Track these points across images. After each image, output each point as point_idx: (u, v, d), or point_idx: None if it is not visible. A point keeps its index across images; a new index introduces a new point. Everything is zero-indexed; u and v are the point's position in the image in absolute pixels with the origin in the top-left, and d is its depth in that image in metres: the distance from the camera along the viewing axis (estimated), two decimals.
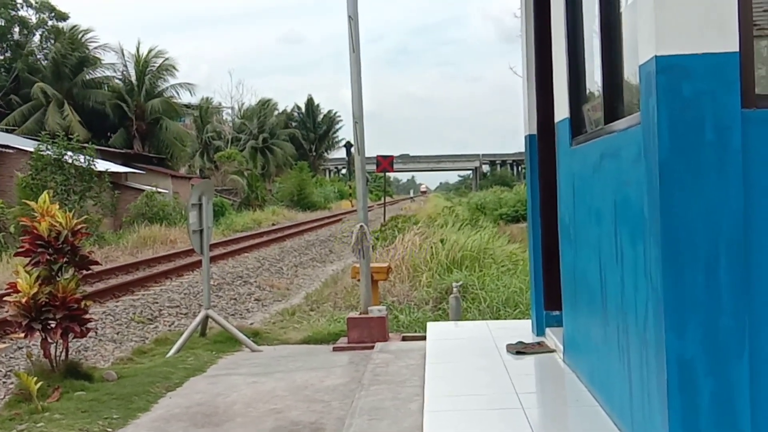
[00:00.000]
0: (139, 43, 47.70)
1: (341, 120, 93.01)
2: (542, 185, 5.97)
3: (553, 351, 5.50)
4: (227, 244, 25.09)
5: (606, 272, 3.80)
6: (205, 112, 62.53)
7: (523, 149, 6.33)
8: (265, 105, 74.23)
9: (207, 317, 8.78)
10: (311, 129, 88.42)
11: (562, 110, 4.80)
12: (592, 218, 4.07)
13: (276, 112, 76.70)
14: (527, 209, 6.35)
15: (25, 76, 43.87)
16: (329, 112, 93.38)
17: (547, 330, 5.86)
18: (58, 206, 6.51)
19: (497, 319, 9.32)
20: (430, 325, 7.18)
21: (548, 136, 5.61)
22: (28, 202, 6.65)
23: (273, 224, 37.49)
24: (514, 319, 9.06)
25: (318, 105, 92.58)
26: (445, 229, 15.33)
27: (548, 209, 5.76)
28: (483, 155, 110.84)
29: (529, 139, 6.10)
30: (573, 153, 4.56)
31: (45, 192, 6.65)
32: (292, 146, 72.95)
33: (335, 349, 7.86)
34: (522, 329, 6.30)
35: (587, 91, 4.51)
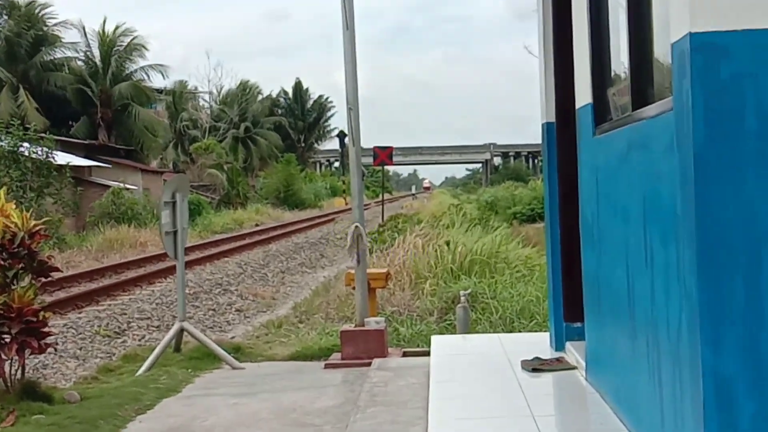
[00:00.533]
0: (105, 20, 47.39)
1: (333, 107, 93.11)
2: (561, 180, 5.96)
3: (574, 368, 5.50)
4: (205, 248, 25.09)
5: (634, 278, 3.80)
6: (179, 97, 62.51)
7: (539, 139, 6.33)
8: (248, 89, 74.23)
9: (182, 330, 8.77)
10: (300, 117, 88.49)
11: (583, 95, 4.80)
12: (618, 217, 4.07)
13: (260, 98, 76.78)
14: (544, 207, 6.35)
15: None
16: (320, 97, 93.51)
17: (568, 344, 5.86)
18: (14, 205, 6.49)
19: (511, 332, 9.31)
20: (434, 338, 7.17)
21: (568, 124, 5.61)
22: None
23: (256, 225, 37.51)
24: (530, 331, 9.06)
25: (307, 90, 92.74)
26: (451, 230, 15.36)
27: (568, 207, 5.75)
28: (494, 146, 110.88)
29: (547, 127, 6.10)
30: (596, 143, 4.56)
31: (1, 191, 6.63)
32: (278, 136, 72.98)
33: (327, 366, 7.86)
34: (539, 343, 6.29)
35: (612, 73, 4.51)
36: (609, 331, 4.44)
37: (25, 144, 25.40)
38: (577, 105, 5.00)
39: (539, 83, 6.23)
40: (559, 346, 6.01)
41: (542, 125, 6.18)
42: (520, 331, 9.28)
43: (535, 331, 8.97)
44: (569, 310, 5.88)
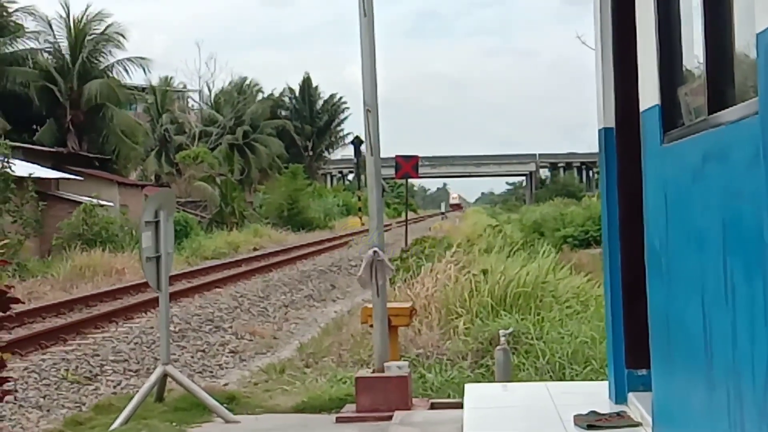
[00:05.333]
0: (67, 3, 47.22)
1: (347, 108, 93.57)
2: (622, 197, 5.95)
3: (638, 425, 5.47)
4: (193, 276, 25.18)
5: (711, 317, 3.78)
6: (163, 96, 62.98)
7: (595, 148, 6.32)
8: (245, 87, 74.67)
9: (165, 375, 8.79)
10: (308, 120, 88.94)
11: (649, 95, 4.79)
12: (692, 243, 4.05)
13: (260, 97, 77.19)
14: (602, 230, 6.34)
15: None
16: (331, 97, 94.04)
17: (630, 395, 5.82)
18: None
19: (561, 379, 9.28)
20: (468, 387, 7.16)
21: (631, 130, 5.60)
22: None
23: (255, 249, 37.65)
24: (584, 380, 9.02)
25: (317, 88, 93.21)
26: (489, 257, 15.32)
27: (631, 230, 5.74)
28: (540, 156, 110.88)
29: (605, 134, 6.09)
30: (665, 153, 4.55)
31: None
32: (281, 143, 73.40)
33: (339, 420, 7.86)
34: (595, 394, 6.26)
35: (684, 70, 4.50)
36: (681, 380, 4.41)
37: None
38: (642, 107, 5.00)
39: (596, 81, 6.23)
40: (620, 397, 5.97)
41: (599, 131, 6.17)
42: (572, 379, 9.23)
43: (591, 379, 8.92)
44: (632, 354, 5.84)
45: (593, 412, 5.77)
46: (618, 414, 5.72)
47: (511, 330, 9.92)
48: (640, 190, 5.16)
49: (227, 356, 14.00)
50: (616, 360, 6.02)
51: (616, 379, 6.03)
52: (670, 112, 4.57)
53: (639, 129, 5.11)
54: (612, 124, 6.04)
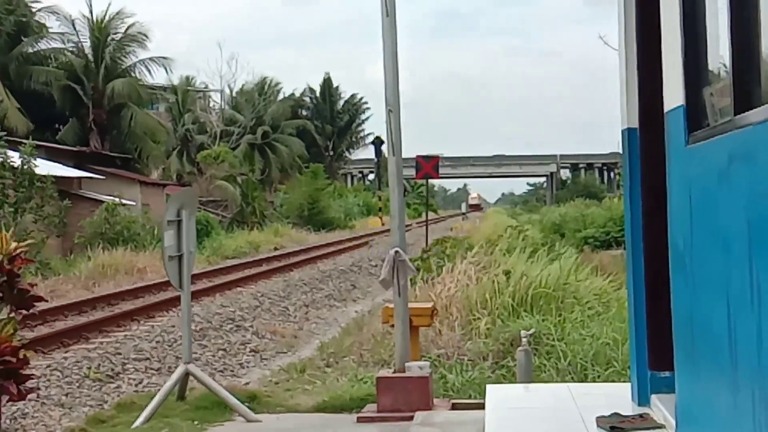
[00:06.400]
0: (90, 2, 47.42)
1: (368, 108, 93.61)
2: (645, 198, 5.92)
3: (661, 426, 5.45)
4: (214, 275, 25.24)
5: (736, 318, 3.76)
6: (184, 96, 63.16)
7: (618, 148, 6.30)
8: (266, 87, 74.77)
9: (187, 374, 8.82)
10: (328, 120, 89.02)
11: (674, 95, 4.77)
12: (717, 244, 4.03)
13: (280, 97, 77.31)
14: (625, 231, 6.31)
15: None
16: (352, 96, 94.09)
17: (653, 397, 5.79)
18: None
19: (583, 381, 9.25)
20: (490, 388, 7.15)
21: (655, 131, 5.57)
22: None
23: (275, 248, 37.70)
24: (607, 381, 8.99)
25: (337, 88, 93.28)
26: (510, 258, 15.29)
27: (654, 231, 5.71)
28: (561, 156, 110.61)
29: (628, 134, 6.06)
30: (689, 154, 4.52)
31: None
32: (302, 143, 73.45)
33: (360, 420, 7.86)
34: (617, 396, 6.24)
35: (710, 69, 4.48)
36: (705, 382, 4.39)
37: (4, 151, 25.73)
38: (666, 107, 4.97)
39: (619, 81, 6.20)
40: (642, 399, 5.94)
41: (622, 132, 6.14)
42: (594, 381, 9.20)
43: (613, 380, 8.90)
44: (655, 356, 5.81)
45: (616, 414, 5.75)
46: (641, 416, 5.69)
47: (532, 331, 9.90)
48: (663, 190, 5.13)
49: (248, 355, 14.02)
50: (639, 361, 5.99)
51: (639, 380, 5.99)
52: (695, 113, 4.54)
53: (663, 129, 5.08)
54: (635, 124, 6.01)
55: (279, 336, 15.64)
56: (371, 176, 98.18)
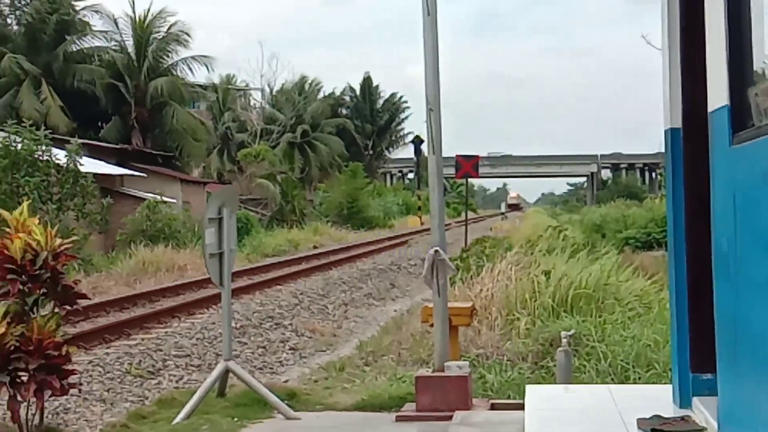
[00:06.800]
0: (133, 1, 47.87)
1: (408, 107, 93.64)
2: (689, 199, 5.88)
3: (703, 429, 5.41)
4: (254, 273, 25.37)
5: None
6: (225, 95, 63.52)
7: (660, 149, 6.26)
8: (306, 86, 75.03)
9: (227, 371, 8.86)
10: (368, 119, 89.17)
11: (718, 95, 4.73)
12: (762, 245, 4.00)
13: (320, 96, 77.54)
14: (667, 232, 6.26)
15: None
16: (392, 96, 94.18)
17: (695, 400, 5.75)
18: (36, 220, 6.66)
19: (623, 382, 9.20)
20: (529, 388, 7.13)
21: (698, 131, 5.53)
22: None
23: (315, 247, 37.82)
24: (647, 383, 8.93)
25: (377, 87, 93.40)
26: (550, 258, 15.23)
27: (697, 232, 5.67)
28: (602, 156, 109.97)
29: (671, 134, 6.02)
30: (734, 154, 4.49)
31: (24, 201, 6.82)
32: (342, 142, 73.64)
33: (399, 419, 7.86)
34: (658, 398, 6.20)
35: (755, 69, 4.44)
36: (748, 384, 4.35)
37: (50, 148, 25.97)
38: (710, 108, 4.94)
39: (662, 81, 6.16)
40: (684, 401, 5.90)
41: (665, 132, 6.10)
42: (635, 382, 9.15)
43: (654, 382, 8.84)
44: (697, 358, 5.77)
45: (657, 416, 5.71)
46: (682, 418, 5.66)
47: (572, 332, 9.85)
48: (707, 191, 5.09)
49: (287, 353, 14.08)
50: (681, 363, 5.95)
51: (681, 382, 5.95)
52: (739, 113, 4.51)
53: (707, 130, 5.04)
54: (678, 124, 5.97)
55: (318, 334, 15.69)
56: (410, 175, 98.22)
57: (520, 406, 6.95)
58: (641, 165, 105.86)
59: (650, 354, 9.91)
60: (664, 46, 6.14)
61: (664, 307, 11.39)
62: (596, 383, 9.09)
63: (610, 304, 12.34)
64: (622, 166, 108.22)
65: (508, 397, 8.85)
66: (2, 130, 27.04)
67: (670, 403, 6.07)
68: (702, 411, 5.54)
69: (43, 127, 27.25)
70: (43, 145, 25.95)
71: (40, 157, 25.83)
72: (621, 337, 10.52)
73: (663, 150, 6.23)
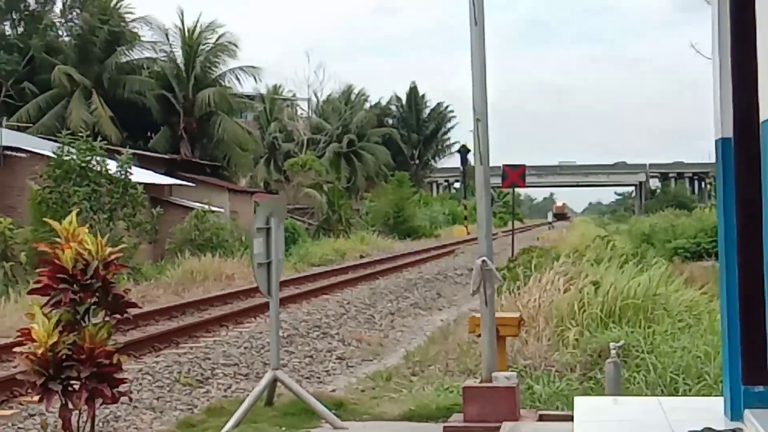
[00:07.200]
0: (183, 12, 48.28)
1: (454, 116, 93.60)
2: (740, 208, 5.82)
3: None
4: (301, 282, 25.47)
5: None
6: (272, 105, 63.88)
7: (710, 158, 6.20)
8: (352, 95, 75.25)
9: (275, 380, 8.91)
10: (414, 128, 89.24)
11: None
12: None
13: (366, 105, 77.73)
14: (718, 242, 6.20)
15: (42, 57, 45.82)
16: (438, 105, 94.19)
17: (747, 412, 5.68)
18: (86, 229, 6.73)
19: (673, 394, 9.11)
20: (578, 400, 7.08)
21: (749, 141, 5.48)
22: (50, 221, 6.89)
23: (361, 256, 37.88)
24: (698, 395, 8.84)
25: (423, 96, 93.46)
26: (598, 268, 15.12)
27: (749, 242, 5.61)
28: (650, 165, 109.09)
29: (722, 144, 5.97)
30: None
31: (73, 211, 6.89)
32: (388, 151, 73.77)
33: (447, 430, 7.84)
34: (709, 410, 6.13)
35: None
36: None
37: (99, 158, 26.25)
38: (762, 117, 4.89)
39: (713, 90, 6.10)
40: (735, 414, 5.84)
41: (716, 141, 6.05)
42: (685, 394, 9.06)
43: (704, 394, 8.74)
44: (749, 370, 5.71)
45: (708, 429, 5.65)
46: (733, 431, 5.60)
47: (621, 343, 9.77)
48: (759, 201, 5.05)
49: (334, 362, 14.10)
50: (732, 375, 5.88)
51: (732, 395, 5.89)
52: None
53: (759, 139, 4.99)
54: (730, 134, 5.91)
55: (365, 343, 15.70)
56: (457, 185, 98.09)
57: (569, 418, 6.91)
58: (690, 174, 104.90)
59: (700, 365, 9.81)
60: (715, 55, 6.08)
61: (714, 318, 11.28)
62: (646, 395, 9.01)
63: (660, 315, 12.24)
64: (671, 175, 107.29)
65: (557, 409, 8.80)
66: (55, 140, 27.42)
67: (721, 416, 6.00)
68: (754, 423, 5.48)
69: (99, 138, 27.58)
70: (98, 155, 26.24)
71: (93, 167, 26.04)
72: (671, 349, 10.42)
73: (713, 159, 6.17)
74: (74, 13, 48.99)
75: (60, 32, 49.77)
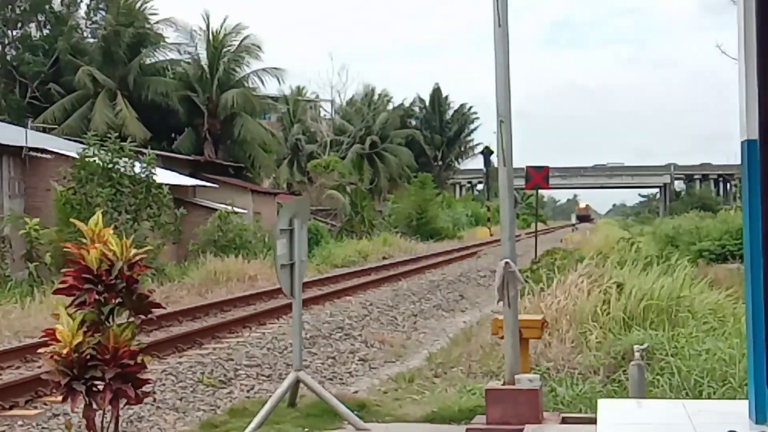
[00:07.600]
0: (208, 15, 48.49)
1: (477, 118, 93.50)
2: (766, 210, 5.80)
3: None
4: (324, 284, 25.52)
5: None
6: (295, 106, 64.02)
7: (735, 160, 6.19)
8: (375, 97, 75.31)
9: (298, 382, 8.92)
10: (437, 130, 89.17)
11: None
12: None
13: (389, 107, 77.75)
14: (743, 244, 6.18)
15: (67, 59, 46.14)
16: (461, 107, 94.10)
17: None
18: (111, 230, 6.76)
19: (697, 398, 9.06)
20: (601, 403, 7.05)
21: None
22: (76, 222, 6.93)
23: (384, 258, 37.90)
24: (723, 398, 8.79)
25: (446, 98, 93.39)
26: (622, 270, 15.07)
27: None
28: (675, 167, 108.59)
29: (748, 146, 5.94)
30: None
31: (98, 211, 6.93)
32: (411, 153, 73.78)
33: (469, 431, 7.83)
34: (734, 414, 6.11)
35: None
36: None
37: (124, 159, 26.36)
38: None
39: (738, 92, 6.08)
40: (760, 417, 5.81)
41: (742, 143, 6.02)
42: (709, 398, 9.01)
43: (730, 397, 8.69)
44: None
45: None
46: None
47: (645, 345, 9.74)
48: None
49: (357, 364, 14.10)
50: (757, 378, 5.86)
51: (757, 398, 5.86)
52: None
53: None
54: (755, 135, 5.88)
55: (387, 345, 15.70)
56: (480, 186, 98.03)
57: (592, 420, 6.89)
58: (716, 176, 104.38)
59: (725, 369, 9.74)
60: (740, 57, 6.06)
61: (739, 321, 11.21)
62: (670, 398, 8.97)
63: (684, 318, 12.18)
64: (696, 177, 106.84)
65: (580, 411, 8.78)
66: (80, 141, 27.54)
67: (746, 419, 5.98)
68: None
69: (129, 140, 27.72)
70: (126, 157, 26.35)
71: (117, 169, 26.11)
72: (695, 351, 10.36)
73: (739, 161, 6.15)
74: (99, 15, 49.30)
75: (85, 34, 50.11)
